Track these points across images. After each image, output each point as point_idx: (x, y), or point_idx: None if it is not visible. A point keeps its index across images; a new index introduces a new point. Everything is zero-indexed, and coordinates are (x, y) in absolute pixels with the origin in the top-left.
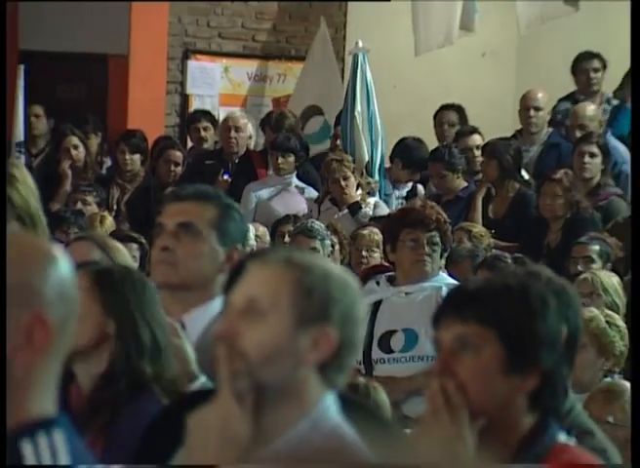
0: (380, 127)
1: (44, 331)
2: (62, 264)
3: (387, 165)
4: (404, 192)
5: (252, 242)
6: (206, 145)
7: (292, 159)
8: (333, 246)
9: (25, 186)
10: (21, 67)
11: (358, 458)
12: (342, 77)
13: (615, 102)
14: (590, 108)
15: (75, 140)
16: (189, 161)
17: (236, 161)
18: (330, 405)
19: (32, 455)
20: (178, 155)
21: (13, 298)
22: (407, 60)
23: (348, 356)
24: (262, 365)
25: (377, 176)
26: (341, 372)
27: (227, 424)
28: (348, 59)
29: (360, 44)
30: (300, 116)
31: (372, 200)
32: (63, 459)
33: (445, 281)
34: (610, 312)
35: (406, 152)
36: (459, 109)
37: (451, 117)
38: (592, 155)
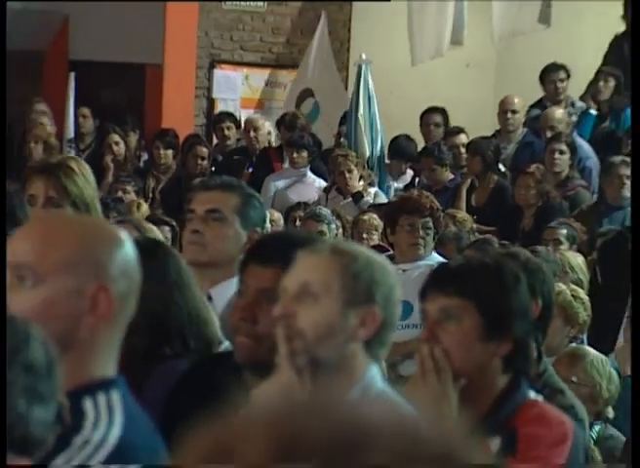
0: (379, 127)
1: (107, 300)
2: (128, 246)
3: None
4: (401, 185)
5: (267, 225)
6: (229, 142)
7: (305, 154)
8: (337, 229)
9: (82, 178)
10: (72, 75)
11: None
12: (346, 85)
13: (579, 105)
14: (559, 112)
15: (116, 138)
16: (219, 156)
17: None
18: (375, 374)
19: (92, 412)
20: (204, 151)
21: (82, 271)
22: (402, 70)
23: (388, 332)
24: (318, 342)
25: (376, 169)
26: (383, 347)
27: (288, 394)
28: (352, 69)
29: (363, 56)
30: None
31: (372, 190)
32: (118, 416)
33: (436, 260)
34: (575, 287)
35: (398, 148)
36: (442, 112)
37: (436, 118)
38: (561, 152)
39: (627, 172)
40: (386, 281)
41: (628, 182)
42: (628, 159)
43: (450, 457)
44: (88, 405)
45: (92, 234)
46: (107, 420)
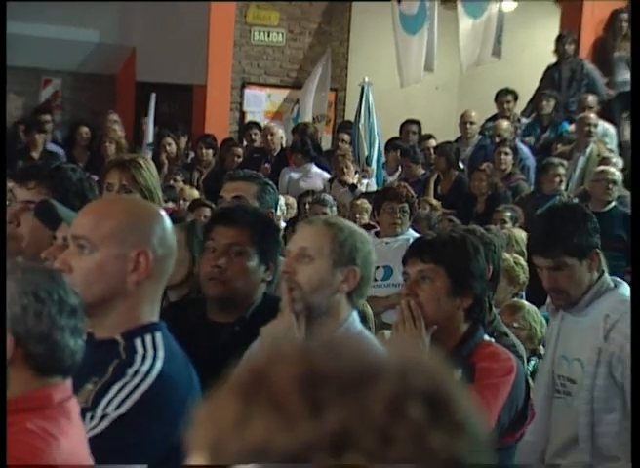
0: (377, 133)
1: (146, 262)
2: (165, 221)
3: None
4: (395, 177)
5: (284, 208)
6: (255, 144)
7: (300, 156)
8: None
9: (147, 171)
10: (153, 95)
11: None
12: (345, 103)
13: (524, 120)
14: (505, 124)
15: (169, 140)
16: (244, 155)
17: (275, 154)
18: (355, 318)
19: (141, 349)
20: (238, 150)
21: (126, 240)
22: (387, 91)
23: (366, 286)
24: (311, 293)
25: (374, 165)
26: (362, 298)
27: (288, 332)
28: (350, 90)
29: (366, 79)
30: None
31: (365, 181)
32: (161, 353)
33: (412, 235)
34: (517, 256)
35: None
36: (417, 122)
37: (412, 127)
38: (506, 154)
39: (561, 170)
40: (365, 247)
41: (560, 178)
42: (562, 160)
43: (438, 389)
44: (138, 344)
45: (135, 212)
46: (153, 356)
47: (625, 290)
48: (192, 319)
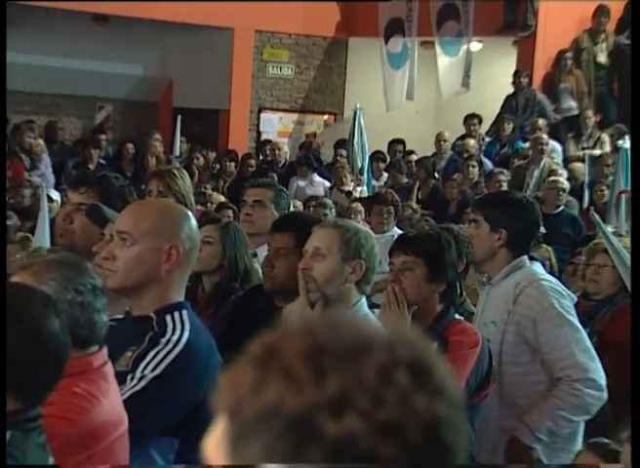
0: (367, 149)
1: (177, 254)
2: (192, 220)
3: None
4: (382, 182)
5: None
6: (269, 158)
7: (305, 168)
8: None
9: (180, 179)
10: (179, 117)
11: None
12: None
13: (486, 139)
14: (472, 142)
15: (199, 155)
16: (257, 166)
17: (280, 166)
18: (363, 303)
19: (171, 323)
20: (252, 162)
21: (161, 235)
22: (376, 114)
23: (371, 275)
24: (325, 284)
25: (365, 175)
26: (368, 284)
27: (303, 311)
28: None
29: (358, 105)
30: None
31: (358, 189)
32: (187, 326)
33: (397, 232)
34: None
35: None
36: (402, 141)
37: (398, 147)
38: (473, 166)
39: (502, 177)
40: (369, 243)
41: (500, 183)
42: (502, 169)
43: (421, 359)
44: (168, 319)
45: (168, 213)
46: (180, 328)
47: (538, 267)
48: (262, 304)
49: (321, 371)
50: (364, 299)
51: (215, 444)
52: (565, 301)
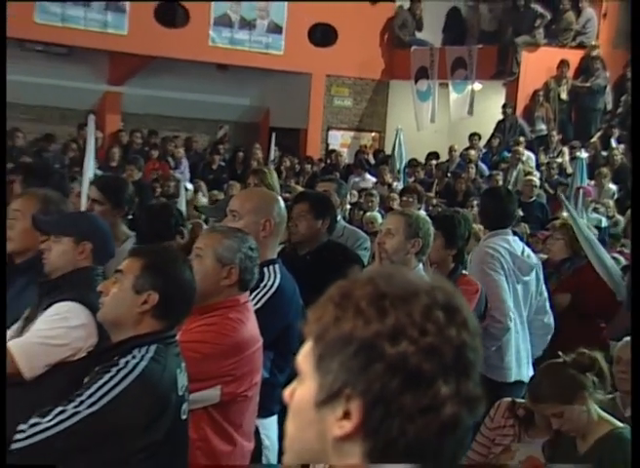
0: (403, 157)
1: (270, 225)
2: (280, 203)
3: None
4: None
5: (349, 197)
6: (333, 162)
7: (360, 170)
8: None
9: (271, 176)
10: (274, 134)
11: (422, 278)
12: (385, 140)
13: (483, 150)
14: (473, 152)
15: (286, 159)
16: (323, 168)
17: (342, 167)
18: (420, 268)
19: (267, 272)
20: (323, 165)
21: (259, 212)
22: (411, 132)
23: (426, 249)
24: (393, 254)
25: (401, 175)
26: (424, 255)
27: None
28: (392, 132)
29: (399, 126)
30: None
31: (395, 184)
32: (279, 275)
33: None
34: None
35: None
36: (435, 153)
37: (432, 157)
38: (472, 169)
39: (498, 177)
40: (425, 226)
41: (497, 181)
42: (498, 172)
43: (451, 301)
44: (265, 270)
45: (263, 197)
46: (274, 276)
47: (497, 239)
48: (291, 253)
49: (383, 310)
50: (421, 265)
51: (304, 358)
52: (490, 260)
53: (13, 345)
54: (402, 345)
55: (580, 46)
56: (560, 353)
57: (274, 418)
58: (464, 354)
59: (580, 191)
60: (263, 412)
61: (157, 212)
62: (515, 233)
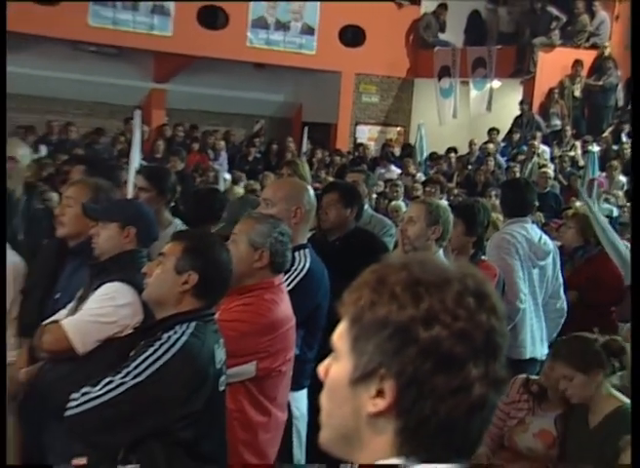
0: (424, 149)
1: (300, 213)
2: (310, 192)
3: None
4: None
5: (376, 187)
6: (361, 155)
7: (386, 162)
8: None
9: (302, 167)
10: (306, 129)
11: (453, 265)
12: (409, 134)
13: (501, 144)
14: (491, 146)
15: (317, 151)
16: (351, 160)
17: (369, 160)
18: (440, 253)
19: (298, 256)
20: (351, 157)
21: (290, 201)
22: (431, 127)
23: (446, 236)
24: (415, 240)
25: (423, 167)
26: (444, 241)
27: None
28: (415, 127)
29: (421, 121)
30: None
31: (418, 175)
32: (309, 258)
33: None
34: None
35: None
36: (453, 148)
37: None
38: (491, 161)
39: (516, 169)
40: (445, 214)
41: (515, 173)
42: (516, 164)
43: (481, 287)
44: (296, 254)
45: (294, 186)
46: (304, 260)
47: (515, 226)
48: (321, 239)
49: (417, 296)
50: (441, 251)
51: (339, 338)
52: (506, 245)
53: (67, 323)
54: (435, 330)
55: (594, 47)
56: (595, 329)
57: (304, 391)
58: (493, 338)
59: (595, 182)
60: (294, 386)
61: (203, 196)
62: (533, 221)
